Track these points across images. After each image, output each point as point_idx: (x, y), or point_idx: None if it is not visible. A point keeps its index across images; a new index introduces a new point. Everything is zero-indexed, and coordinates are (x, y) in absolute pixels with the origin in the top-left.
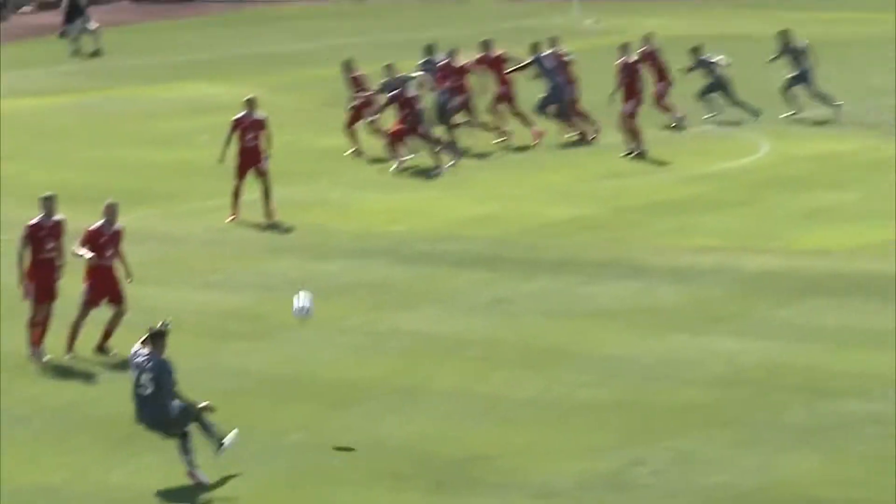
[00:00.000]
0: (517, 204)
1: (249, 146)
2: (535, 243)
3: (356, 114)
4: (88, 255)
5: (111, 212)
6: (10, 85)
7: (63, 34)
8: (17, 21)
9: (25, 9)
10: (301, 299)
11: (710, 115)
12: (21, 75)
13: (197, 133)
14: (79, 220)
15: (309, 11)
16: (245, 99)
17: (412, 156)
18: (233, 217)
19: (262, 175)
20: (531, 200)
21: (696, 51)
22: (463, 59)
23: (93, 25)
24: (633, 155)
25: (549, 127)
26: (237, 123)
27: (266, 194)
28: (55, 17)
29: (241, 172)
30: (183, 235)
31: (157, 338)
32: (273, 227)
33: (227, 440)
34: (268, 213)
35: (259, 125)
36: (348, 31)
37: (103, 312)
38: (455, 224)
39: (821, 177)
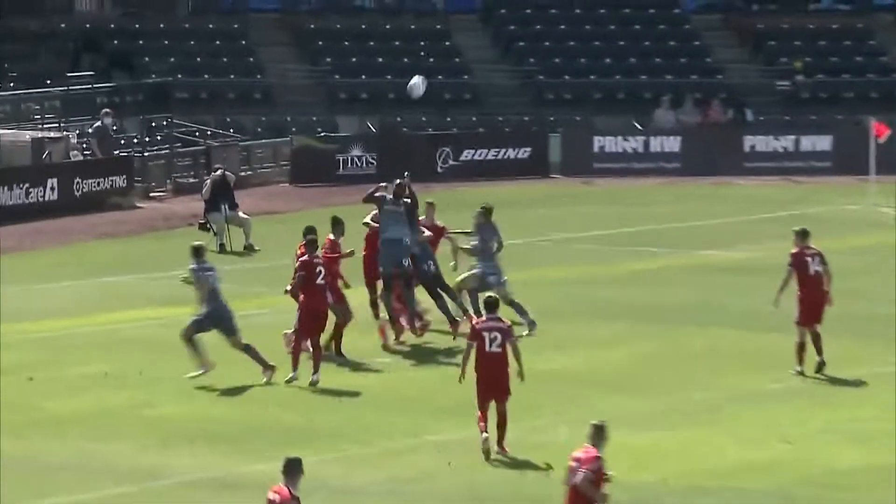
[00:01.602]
0: (798, 448)
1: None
2: (823, 497)
3: None
4: None
5: None
6: (136, 289)
7: (204, 225)
8: (148, 208)
9: (158, 193)
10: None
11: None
12: (150, 277)
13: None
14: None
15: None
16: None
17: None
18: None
19: None
20: (816, 443)
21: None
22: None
23: (242, 215)
24: None
25: None
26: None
27: None
28: (195, 202)
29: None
30: (359, 486)
31: None
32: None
33: None
34: None
35: None
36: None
37: None
38: (719, 472)
39: None
